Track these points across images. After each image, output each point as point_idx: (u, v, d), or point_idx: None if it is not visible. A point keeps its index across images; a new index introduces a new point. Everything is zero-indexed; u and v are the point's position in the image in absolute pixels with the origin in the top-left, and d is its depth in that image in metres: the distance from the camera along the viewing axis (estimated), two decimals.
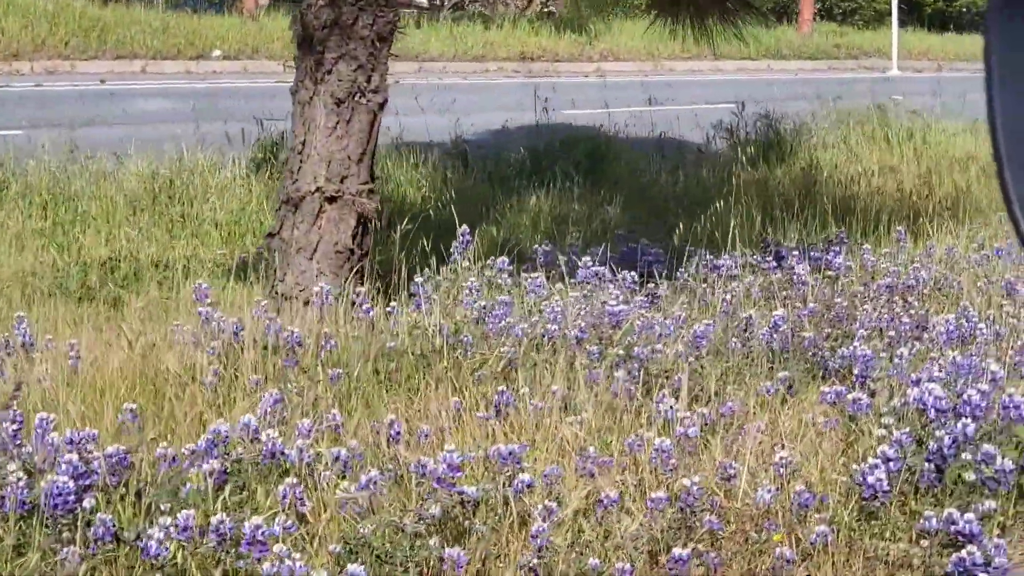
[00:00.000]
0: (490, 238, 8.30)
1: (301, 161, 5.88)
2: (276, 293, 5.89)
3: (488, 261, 6.73)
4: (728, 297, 6.30)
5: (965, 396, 4.09)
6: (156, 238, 7.56)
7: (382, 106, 5.99)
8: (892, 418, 4.13)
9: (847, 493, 3.99)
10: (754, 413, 4.66)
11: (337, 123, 5.88)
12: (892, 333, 5.64)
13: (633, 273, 6.52)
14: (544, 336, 5.22)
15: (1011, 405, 4.13)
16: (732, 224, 8.67)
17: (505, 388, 4.41)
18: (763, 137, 11.73)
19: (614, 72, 21.18)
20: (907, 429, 3.99)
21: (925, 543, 3.78)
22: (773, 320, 5.53)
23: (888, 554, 3.83)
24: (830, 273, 6.92)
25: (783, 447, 4.21)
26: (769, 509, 3.81)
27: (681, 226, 8.37)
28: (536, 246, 7.21)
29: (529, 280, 6.33)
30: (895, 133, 12.17)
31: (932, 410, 4.02)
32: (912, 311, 5.81)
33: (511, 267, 6.67)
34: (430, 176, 9.75)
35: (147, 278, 6.57)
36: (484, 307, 5.31)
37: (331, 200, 5.88)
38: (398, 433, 3.83)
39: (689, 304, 6.33)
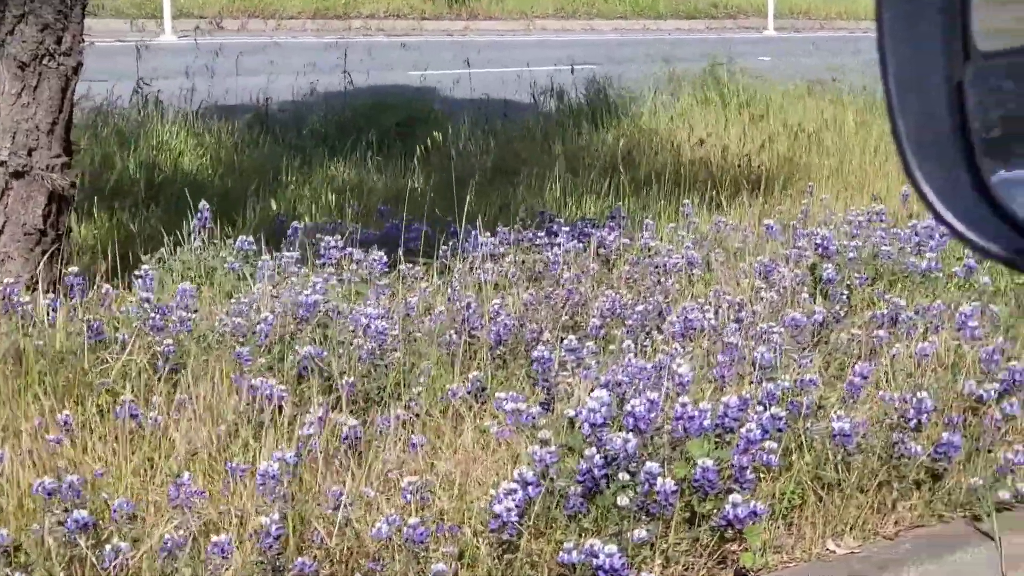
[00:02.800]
0: (267, 212, 7.72)
1: None
2: None
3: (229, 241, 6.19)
4: (481, 279, 5.82)
5: (629, 406, 3.62)
6: None
7: (76, 70, 5.36)
8: (550, 432, 3.65)
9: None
10: (436, 424, 4.17)
11: (23, 89, 5.25)
12: (630, 323, 5.18)
13: (381, 253, 5.99)
14: (229, 331, 4.68)
15: (685, 416, 3.67)
16: (522, 196, 8.19)
17: (132, 398, 3.86)
18: (595, 101, 11.23)
19: (482, 31, 20.58)
20: (554, 447, 3.51)
21: None
22: (493, 308, 5.03)
23: None
24: (602, 251, 6.44)
25: (431, 467, 3.72)
26: (388, 544, 3.32)
27: (473, 199, 7.86)
28: (295, 223, 6.63)
29: (260, 263, 5.80)
30: (735, 98, 11.72)
31: (586, 424, 3.53)
32: (651, 298, 5.34)
33: (255, 247, 6.13)
34: (221, 144, 9.11)
35: None
36: (147, 299, 4.73)
37: (17, 175, 5.26)
38: None
39: (438, 288, 5.83)
